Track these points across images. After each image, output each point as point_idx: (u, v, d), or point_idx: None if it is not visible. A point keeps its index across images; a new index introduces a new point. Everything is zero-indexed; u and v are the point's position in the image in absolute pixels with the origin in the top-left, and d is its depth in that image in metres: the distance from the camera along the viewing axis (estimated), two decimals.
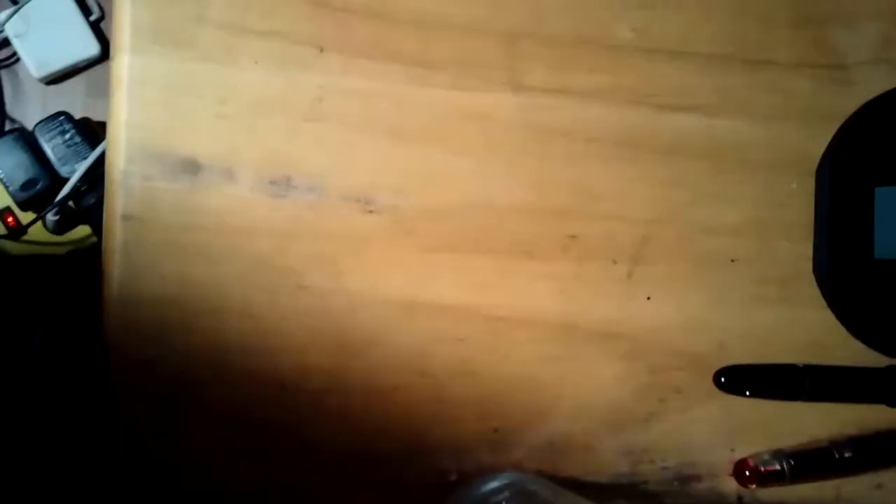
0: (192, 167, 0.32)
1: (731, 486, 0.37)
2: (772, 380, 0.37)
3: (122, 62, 0.32)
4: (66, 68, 0.97)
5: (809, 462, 0.37)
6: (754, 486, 0.36)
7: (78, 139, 0.75)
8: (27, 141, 0.75)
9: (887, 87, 0.37)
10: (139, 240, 0.32)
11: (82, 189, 0.71)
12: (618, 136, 0.35)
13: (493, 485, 0.33)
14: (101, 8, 1.00)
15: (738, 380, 0.36)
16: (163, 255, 0.32)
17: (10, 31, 0.94)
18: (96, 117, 0.91)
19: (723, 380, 0.36)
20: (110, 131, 0.33)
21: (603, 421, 0.36)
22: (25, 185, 0.73)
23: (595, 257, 0.36)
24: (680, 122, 0.36)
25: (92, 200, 0.72)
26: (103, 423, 0.33)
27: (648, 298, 0.36)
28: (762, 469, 0.36)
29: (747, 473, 0.36)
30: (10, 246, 0.80)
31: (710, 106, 0.36)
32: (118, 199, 0.32)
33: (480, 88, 0.34)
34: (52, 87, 1.03)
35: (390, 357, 0.34)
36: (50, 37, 0.96)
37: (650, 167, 0.36)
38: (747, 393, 0.36)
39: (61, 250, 0.79)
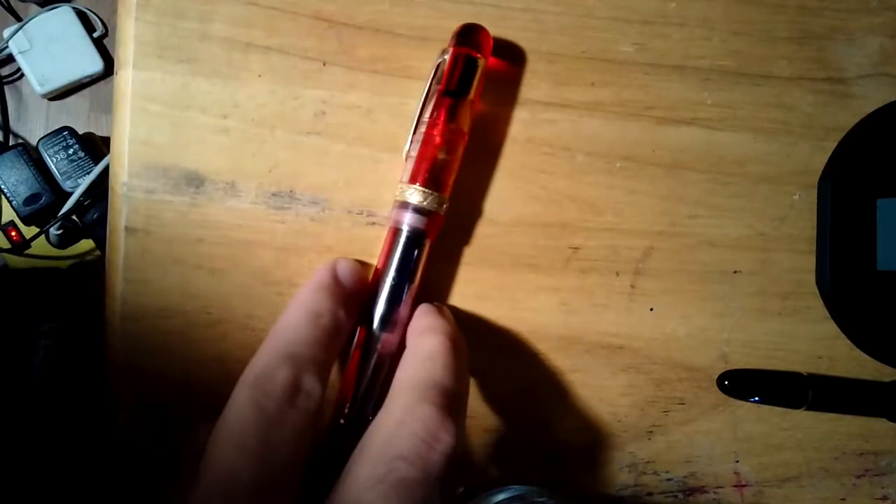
0: (195, 181, 0.33)
1: (735, 497, 0.37)
2: (775, 386, 0.37)
3: (126, 77, 0.32)
4: (69, 84, 0.98)
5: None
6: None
7: (81, 154, 0.75)
8: (31, 156, 0.76)
9: (888, 99, 0.37)
10: (142, 253, 0.32)
11: (85, 203, 0.71)
12: (619, 149, 0.36)
13: (500, 497, 0.33)
14: (104, 25, 1.01)
15: (741, 384, 0.36)
16: (165, 267, 0.33)
17: (14, 47, 0.95)
18: (100, 132, 0.91)
19: (726, 383, 0.36)
20: (114, 146, 0.33)
21: (606, 433, 0.36)
22: (29, 200, 0.73)
23: (597, 270, 0.36)
24: (681, 135, 0.36)
25: (95, 215, 0.72)
26: (103, 437, 0.33)
27: (651, 310, 0.36)
28: None
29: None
30: (14, 260, 0.80)
31: (711, 120, 0.36)
32: (121, 212, 0.32)
33: (482, 103, 0.34)
34: (55, 102, 1.04)
35: None
36: (54, 53, 0.97)
37: (652, 180, 0.36)
38: (750, 398, 0.36)
39: (64, 264, 0.79)
